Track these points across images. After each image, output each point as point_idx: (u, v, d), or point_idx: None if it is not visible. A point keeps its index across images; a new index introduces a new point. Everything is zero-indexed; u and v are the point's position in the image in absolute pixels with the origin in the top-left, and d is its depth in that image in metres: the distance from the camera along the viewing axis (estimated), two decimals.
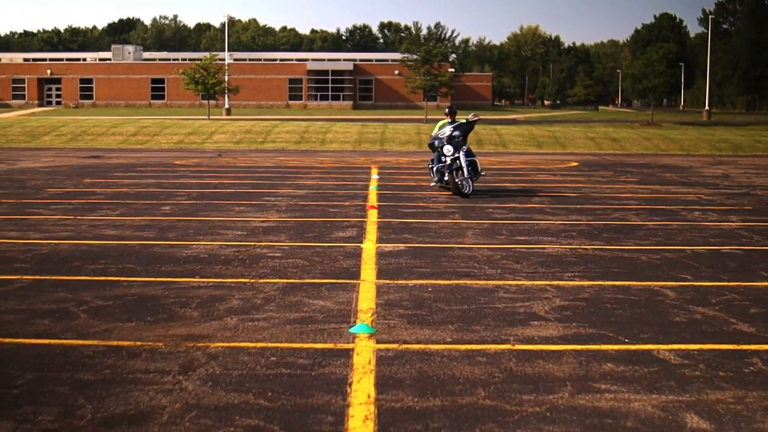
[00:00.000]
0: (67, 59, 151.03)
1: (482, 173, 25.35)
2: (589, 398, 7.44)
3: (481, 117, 25.63)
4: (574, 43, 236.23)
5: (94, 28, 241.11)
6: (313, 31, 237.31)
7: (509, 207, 21.80)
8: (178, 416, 6.92)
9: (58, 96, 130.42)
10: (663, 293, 11.74)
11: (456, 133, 24.44)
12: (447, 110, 26.37)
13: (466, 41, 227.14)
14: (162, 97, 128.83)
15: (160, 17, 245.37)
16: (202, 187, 26.46)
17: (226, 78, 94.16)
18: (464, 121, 25.41)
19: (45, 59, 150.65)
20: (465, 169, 23.91)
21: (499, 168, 37.21)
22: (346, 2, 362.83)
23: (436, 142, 24.82)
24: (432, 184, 26.08)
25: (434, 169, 25.50)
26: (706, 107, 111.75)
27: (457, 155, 23.99)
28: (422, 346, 9.03)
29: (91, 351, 8.67)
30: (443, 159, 24.48)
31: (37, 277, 12.39)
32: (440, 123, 26.28)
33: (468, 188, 23.98)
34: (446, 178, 24.43)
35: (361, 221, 18.71)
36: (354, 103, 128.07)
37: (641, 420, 6.95)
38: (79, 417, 6.89)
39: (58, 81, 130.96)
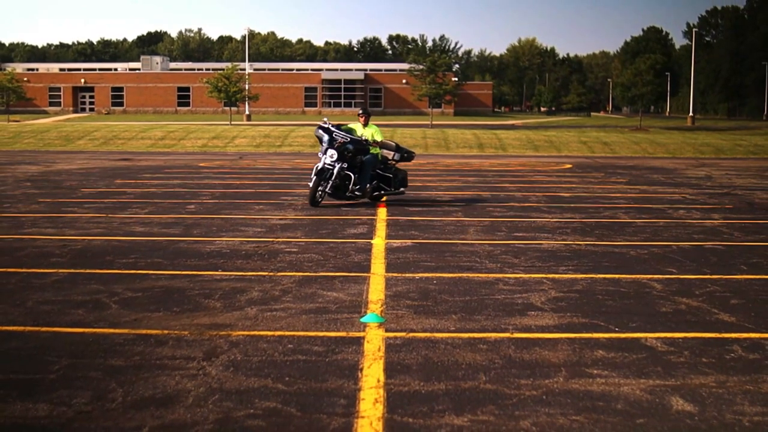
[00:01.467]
0: (100, 69, 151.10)
1: (399, 191, 21.91)
2: (582, 383, 7.44)
3: (376, 141, 21.52)
4: (568, 54, 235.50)
5: (125, 40, 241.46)
6: (327, 43, 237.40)
7: (508, 206, 21.79)
8: (202, 399, 6.93)
9: (91, 103, 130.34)
10: (650, 285, 11.74)
11: (350, 146, 20.71)
12: (361, 111, 22.54)
13: (468, 52, 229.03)
14: (187, 104, 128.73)
15: (186, 30, 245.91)
16: (225, 188, 26.45)
17: (247, 86, 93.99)
18: (364, 137, 21.46)
19: (79, 69, 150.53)
20: (330, 183, 20.60)
21: (499, 170, 37.18)
22: (357, 16, 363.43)
23: (324, 135, 20.94)
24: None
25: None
26: (690, 113, 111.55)
27: (332, 168, 20.56)
28: (428, 334, 9.03)
29: (121, 339, 8.69)
30: (322, 160, 20.78)
31: (72, 270, 12.42)
32: (350, 125, 22.11)
33: (321, 199, 20.75)
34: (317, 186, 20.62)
35: (371, 219, 18.71)
36: None
37: (630, 403, 6.95)
38: (110, 400, 6.91)
39: (91, 89, 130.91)
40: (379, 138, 21.76)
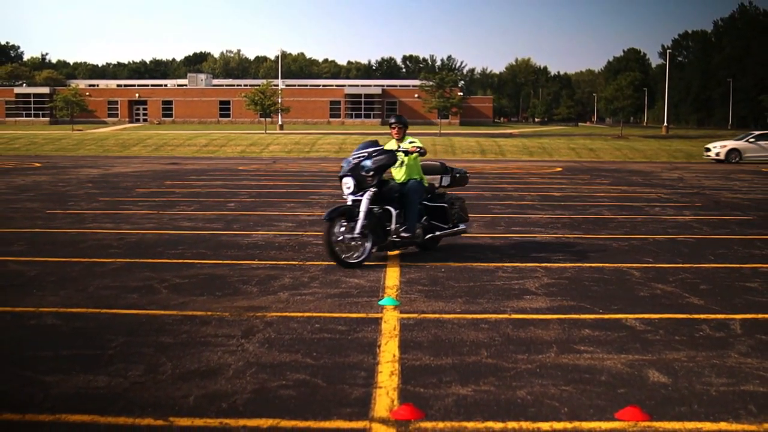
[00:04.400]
0: (152, 85, 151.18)
1: (458, 227, 13.55)
2: (570, 357, 7.43)
3: (422, 150, 12.70)
4: (558, 72, 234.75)
5: (173, 60, 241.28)
6: (349, 62, 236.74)
7: (506, 204, 21.75)
8: (241, 372, 6.94)
9: (144, 114, 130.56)
10: (630, 273, 11.71)
11: (367, 163, 12.21)
12: (393, 120, 13.45)
13: (472, 70, 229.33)
14: (228, 116, 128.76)
15: (227, 51, 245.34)
16: (260, 188, 26.46)
17: (280, 100, 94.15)
18: (394, 148, 12.85)
19: (134, 85, 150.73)
20: (359, 224, 11.89)
21: (499, 172, 37.14)
22: (375, 38, 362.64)
23: (343, 164, 12.56)
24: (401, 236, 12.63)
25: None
26: (665, 123, 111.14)
27: (358, 197, 12.13)
28: (437, 315, 9.02)
29: (171, 319, 8.70)
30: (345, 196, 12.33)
31: (128, 260, 12.44)
32: (388, 144, 13.16)
33: (359, 255, 11.97)
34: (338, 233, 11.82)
35: None
36: (382, 121, 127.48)
37: (613, 375, 6.94)
38: (161, 372, 6.92)
39: (144, 102, 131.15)
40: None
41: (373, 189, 12.18)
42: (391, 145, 13.11)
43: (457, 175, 13.99)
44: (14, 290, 10.20)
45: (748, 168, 43.35)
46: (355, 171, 12.16)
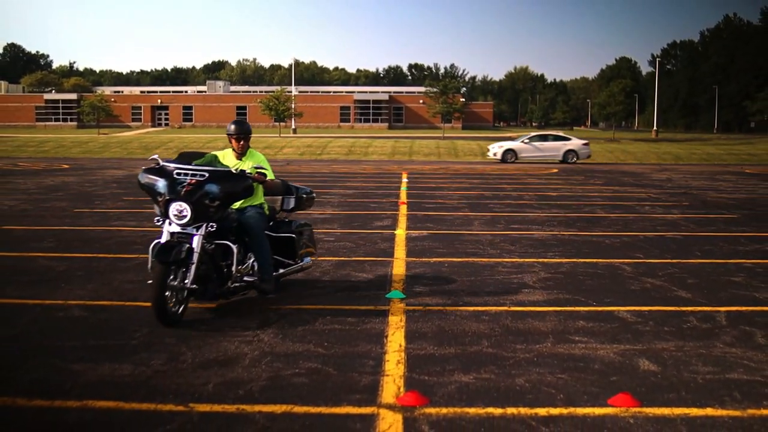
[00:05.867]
0: (173, 91, 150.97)
1: (304, 262, 10.04)
2: (566, 347, 7.43)
3: (263, 173, 8.99)
4: (555, 79, 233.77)
5: (193, 68, 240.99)
6: (358, 70, 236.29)
7: (506, 203, 21.74)
8: (256, 360, 6.95)
9: (166, 119, 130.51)
10: (622, 268, 11.70)
11: (213, 188, 8.34)
12: (233, 127, 9.40)
13: (473, 78, 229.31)
14: None
15: (243, 59, 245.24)
16: None
17: (293, 106, 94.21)
18: (233, 165, 9.08)
19: (156, 91, 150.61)
20: (192, 269, 8.18)
21: (498, 173, 37.09)
22: (383, 48, 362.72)
23: (158, 181, 8.52)
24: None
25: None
26: (654, 128, 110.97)
27: (188, 240, 8.30)
28: (440, 307, 9.03)
29: (191, 311, 8.69)
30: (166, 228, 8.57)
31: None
32: (221, 153, 9.49)
33: (181, 307, 8.25)
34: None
35: (394, 213, 18.69)
36: (389, 125, 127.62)
37: (605, 363, 6.94)
38: (182, 361, 6.94)
39: (166, 108, 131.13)
40: (269, 172, 9.34)
41: (213, 224, 8.42)
42: (230, 157, 9.46)
43: (303, 195, 10.25)
44: (44, 284, 10.23)
45: (732, 169, 43.28)
46: (195, 196, 8.28)
